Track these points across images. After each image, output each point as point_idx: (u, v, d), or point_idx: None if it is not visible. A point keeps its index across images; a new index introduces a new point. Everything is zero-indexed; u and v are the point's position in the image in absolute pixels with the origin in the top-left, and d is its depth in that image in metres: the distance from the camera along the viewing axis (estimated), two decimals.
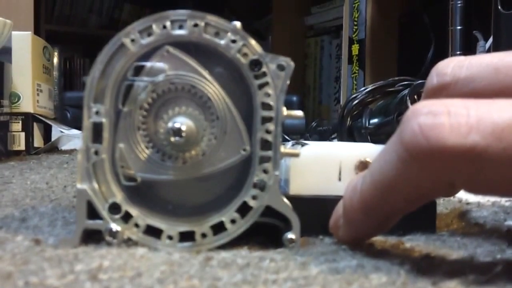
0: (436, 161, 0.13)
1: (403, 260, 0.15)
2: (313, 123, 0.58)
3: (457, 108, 0.13)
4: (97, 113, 0.16)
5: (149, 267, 0.14)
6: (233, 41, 0.16)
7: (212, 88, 0.16)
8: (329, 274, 0.13)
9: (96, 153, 0.16)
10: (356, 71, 0.79)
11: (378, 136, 0.41)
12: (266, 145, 0.16)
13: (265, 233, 0.17)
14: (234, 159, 0.16)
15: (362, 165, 0.18)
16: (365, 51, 0.78)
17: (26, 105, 0.49)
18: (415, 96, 0.37)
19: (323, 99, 1.16)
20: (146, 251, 0.15)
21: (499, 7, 0.46)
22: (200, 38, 0.16)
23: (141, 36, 0.16)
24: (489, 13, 0.47)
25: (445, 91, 0.15)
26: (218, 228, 0.16)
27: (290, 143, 0.21)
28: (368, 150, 0.19)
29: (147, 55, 0.16)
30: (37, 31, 0.74)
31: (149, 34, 0.16)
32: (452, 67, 0.15)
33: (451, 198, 0.25)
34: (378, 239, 0.17)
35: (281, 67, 0.16)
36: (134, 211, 0.16)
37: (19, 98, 0.48)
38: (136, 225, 0.16)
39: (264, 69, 0.16)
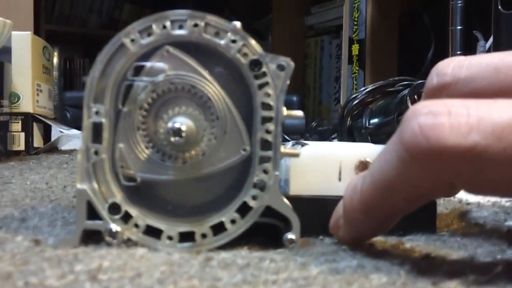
0: (436, 161, 0.13)
1: (403, 260, 0.15)
2: (313, 123, 0.58)
3: (457, 108, 0.13)
4: (97, 113, 0.16)
5: (149, 268, 0.14)
6: (233, 41, 0.16)
7: (212, 88, 0.16)
8: (329, 275, 0.13)
9: (96, 153, 0.16)
10: (356, 71, 0.79)
11: (378, 136, 0.41)
12: (266, 145, 0.16)
13: (265, 233, 0.17)
14: (234, 159, 0.16)
15: (362, 165, 0.18)
16: (365, 51, 0.78)
17: (26, 105, 0.49)
18: (415, 96, 0.37)
19: (323, 99, 1.16)
20: (146, 252, 0.15)
21: (499, 7, 0.46)
22: (200, 38, 0.16)
23: (141, 36, 0.16)
24: (489, 13, 0.47)
25: (445, 91, 0.15)
26: (218, 228, 0.16)
27: (290, 143, 0.21)
28: (368, 150, 0.19)
29: (147, 55, 0.16)
30: (37, 31, 0.74)
31: (149, 34, 0.16)
32: (452, 67, 0.15)
33: (451, 198, 0.25)
34: (378, 240, 0.17)
35: (281, 67, 0.16)
36: (134, 211, 0.16)
37: (19, 98, 0.48)
38: (136, 225, 0.16)
39: (264, 69, 0.16)
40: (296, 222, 0.16)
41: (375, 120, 0.43)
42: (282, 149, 0.16)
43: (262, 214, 0.16)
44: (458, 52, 0.58)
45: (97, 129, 0.16)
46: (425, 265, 0.14)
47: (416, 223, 0.18)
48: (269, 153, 0.16)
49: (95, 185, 0.16)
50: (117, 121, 0.16)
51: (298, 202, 0.17)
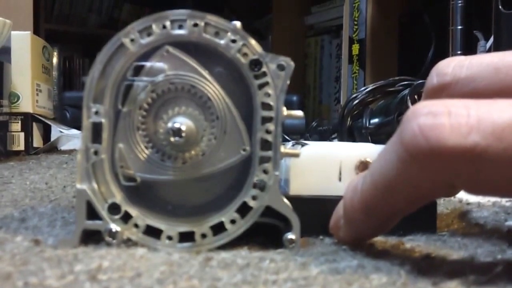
0: (436, 162, 0.13)
1: (404, 260, 0.15)
2: (313, 123, 0.58)
3: (457, 108, 0.13)
4: (96, 113, 0.16)
5: (149, 268, 0.14)
6: (233, 41, 0.16)
7: (212, 88, 0.16)
8: (330, 275, 0.13)
9: (96, 153, 0.16)
10: (357, 71, 0.79)
11: (378, 136, 0.41)
12: (266, 145, 0.16)
13: (265, 233, 0.17)
14: (234, 159, 0.16)
15: (363, 165, 0.18)
16: (365, 51, 0.78)
17: (26, 105, 0.49)
18: (416, 96, 0.37)
19: (323, 99, 1.16)
20: (145, 252, 0.15)
21: (500, 7, 0.46)
22: (200, 38, 0.16)
23: (140, 36, 0.16)
24: (490, 13, 0.47)
25: (446, 91, 0.15)
26: (218, 228, 0.16)
27: (290, 143, 0.21)
28: (369, 150, 0.19)
29: (146, 55, 0.16)
30: (36, 31, 0.74)
31: (149, 34, 0.16)
32: (453, 67, 0.15)
33: (452, 198, 0.25)
34: (379, 240, 0.17)
35: (281, 67, 0.16)
36: (133, 211, 0.16)
37: (18, 98, 0.48)
38: (136, 226, 0.16)
39: (264, 69, 0.16)
40: (296, 222, 0.16)
41: (375, 120, 0.43)
42: (282, 149, 0.16)
43: (262, 214, 0.16)
44: (459, 52, 0.58)
45: (96, 129, 0.16)
46: (426, 265, 0.14)
47: (417, 223, 0.18)
48: (269, 153, 0.16)
49: (95, 185, 0.16)
50: (117, 121, 0.16)
51: (298, 202, 0.17)
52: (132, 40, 0.16)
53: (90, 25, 1.48)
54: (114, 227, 0.16)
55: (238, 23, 0.16)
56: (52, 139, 0.53)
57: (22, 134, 0.48)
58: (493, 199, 0.25)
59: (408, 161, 0.13)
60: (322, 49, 1.15)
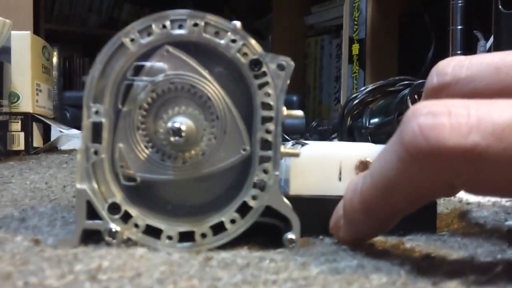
0: (436, 162, 0.13)
1: (404, 260, 0.15)
2: (313, 122, 0.58)
3: (457, 108, 0.13)
4: (96, 112, 0.16)
5: (149, 268, 0.14)
6: (233, 41, 0.16)
7: (212, 88, 0.16)
8: (329, 275, 0.13)
9: (96, 153, 0.16)
10: (357, 71, 0.79)
11: (378, 136, 0.41)
12: (266, 145, 0.16)
13: (265, 233, 0.17)
14: (234, 159, 0.16)
15: (363, 165, 0.18)
16: (365, 51, 0.78)
17: (26, 105, 0.49)
18: (416, 96, 0.37)
19: (323, 98, 1.16)
20: (145, 251, 0.15)
21: (500, 7, 0.45)
22: (200, 37, 0.16)
23: (140, 36, 0.16)
24: (490, 13, 0.47)
25: (446, 90, 0.15)
26: (218, 228, 0.16)
27: (290, 143, 0.21)
28: (369, 150, 0.19)
29: (146, 55, 0.16)
30: (36, 31, 0.74)
31: (149, 34, 0.16)
32: (453, 66, 0.15)
33: (452, 198, 0.25)
34: (379, 240, 0.17)
35: (281, 67, 0.16)
36: (133, 211, 0.16)
37: (18, 98, 0.48)
38: (136, 225, 0.16)
39: (264, 68, 0.16)
40: (296, 222, 0.16)
41: (375, 120, 0.42)
42: (282, 149, 0.16)
43: (262, 214, 0.16)
44: (459, 52, 0.58)
45: (96, 129, 0.16)
46: (425, 265, 0.14)
47: (416, 223, 0.18)
48: (269, 153, 0.16)
49: (95, 185, 0.16)
50: (117, 121, 0.16)
51: (298, 202, 0.17)
52: (132, 40, 0.16)
53: (90, 25, 1.48)
54: (114, 227, 0.16)
55: (238, 23, 0.16)
56: (52, 139, 0.53)
57: (22, 134, 0.48)
58: (493, 199, 0.25)
59: (408, 161, 0.13)
60: (322, 49, 1.15)
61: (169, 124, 0.16)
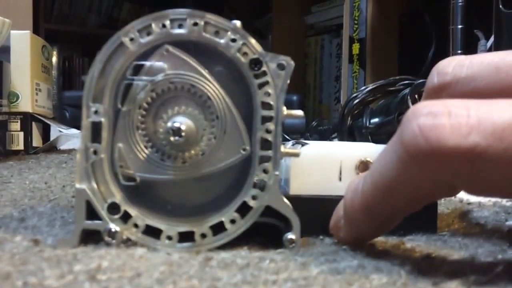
0: (436, 162, 0.13)
1: (404, 260, 0.15)
2: (314, 122, 0.58)
3: (458, 109, 0.13)
4: (96, 112, 0.16)
5: (148, 268, 0.14)
6: (233, 40, 0.16)
7: (211, 88, 0.16)
8: (330, 275, 0.13)
9: (95, 152, 0.16)
10: (357, 70, 0.79)
11: (378, 135, 0.41)
12: (266, 144, 0.16)
13: (265, 233, 0.17)
14: (234, 159, 0.16)
15: (363, 165, 0.18)
16: (365, 50, 0.78)
17: (25, 104, 0.49)
18: (416, 96, 0.37)
19: (323, 98, 1.16)
20: (145, 252, 0.15)
21: (500, 6, 0.45)
22: (199, 37, 0.16)
23: (140, 35, 0.16)
24: (490, 12, 0.47)
25: (446, 90, 0.15)
26: (218, 228, 0.16)
27: (290, 143, 0.21)
28: (369, 150, 0.18)
29: (146, 54, 0.16)
30: (36, 30, 0.74)
31: (149, 33, 0.16)
32: (453, 66, 0.15)
33: (452, 198, 0.25)
34: (379, 240, 0.17)
35: (281, 66, 0.16)
36: (133, 211, 0.16)
37: (17, 97, 0.48)
38: (135, 225, 0.16)
39: (264, 68, 0.16)
40: (296, 222, 0.16)
41: (376, 120, 0.42)
42: (282, 148, 0.16)
43: (262, 214, 0.16)
44: (459, 51, 0.58)
45: (96, 128, 0.16)
46: (426, 265, 0.14)
47: (417, 223, 0.18)
48: (269, 152, 0.16)
49: (94, 185, 0.16)
50: (116, 120, 0.16)
51: (298, 202, 0.17)
52: (131, 39, 0.16)
53: (90, 24, 1.48)
54: (114, 227, 0.16)
55: (238, 22, 0.16)
56: (52, 138, 0.53)
57: (21, 134, 0.48)
58: (493, 199, 0.25)
59: (408, 161, 0.13)
60: (322, 48, 1.15)
61: (169, 124, 0.16)
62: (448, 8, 0.60)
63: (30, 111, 0.49)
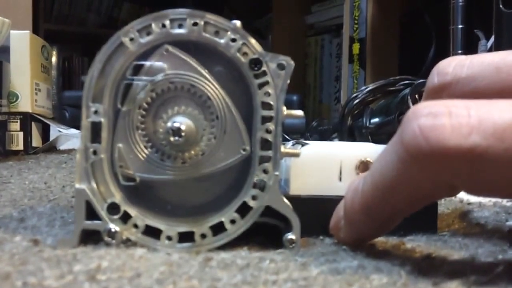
0: (436, 162, 0.13)
1: (404, 260, 0.15)
2: (314, 122, 0.58)
3: (458, 109, 0.13)
4: (95, 112, 0.16)
5: (148, 268, 0.14)
6: (233, 40, 0.16)
7: (211, 88, 0.16)
8: (330, 275, 0.13)
9: (95, 153, 0.16)
10: (357, 70, 0.79)
11: (379, 135, 0.41)
12: (266, 145, 0.16)
13: (265, 233, 0.17)
14: (233, 159, 0.16)
15: (363, 165, 0.18)
16: (365, 50, 0.78)
17: (25, 104, 0.49)
18: (416, 96, 0.37)
19: (323, 98, 1.16)
20: (145, 252, 0.15)
21: (501, 6, 0.45)
22: (199, 37, 0.16)
23: (140, 35, 0.16)
24: (491, 12, 0.47)
25: (446, 90, 0.15)
26: (218, 228, 0.16)
27: (290, 143, 0.21)
28: (369, 150, 0.18)
29: (146, 54, 0.16)
30: (35, 30, 0.73)
31: (148, 33, 0.16)
32: (453, 66, 0.15)
33: (452, 198, 0.25)
34: (379, 240, 0.17)
35: (281, 66, 0.16)
36: (133, 211, 0.16)
37: (17, 97, 0.48)
38: (135, 226, 0.16)
39: (264, 68, 0.16)
40: (296, 222, 0.16)
41: (376, 120, 0.42)
42: (282, 148, 0.16)
43: (262, 214, 0.16)
44: (459, 51, 0.58)
45: (96, 128, 0.16)
46: (426, 266, 0.14)
47: (417, 223, 0.18)
48: (269, 153, 0.16)
49: (94, 185, 0.16)
50: (116, 120, 0.16)
51: (299, 202, 0.17)
52: (131, 39, 0.16)
53: (90, 24, 1.48)
54: (113, 227, 0.16)
55: (238, 22, 0.16)
56: (51, 138, 0.53)
57: (21, 134, 0.48)
58: (494, 199, 0.25)
59: (408, 161, 0.13)
60: (323, 48, 1.15)
61: (169, 124, 0.16)
62: (448, 8, 0.60)
63: (30, 111, 0.49)
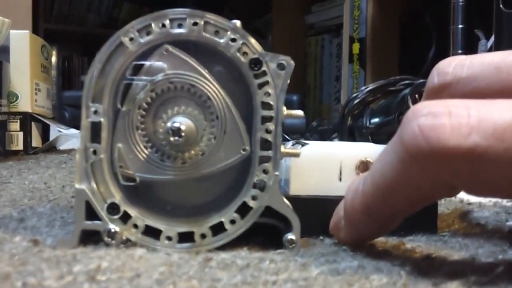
0: (436, 162, 0.12)
1: (404, 261, 0.15)
2: (314, 122, 0.58)
3: (458, 109, 0.13)
4: (95, 112, 0.16)
5: (148, 268, 0.14)
6: (233, 40, 0.16)
7: (211, 87, 0.16)
8: (330, 275, 0.13)
9: (95, 153, 0.16)
10: (357, 70, 0.79)
11: (379, 135, 0.41)
12: (266, 145, 0.16)
13: (265, 233, 0.17)
14: (233, 159, 0.16)
15: (363, 165, 0.18)
16: (366, 50, 0.78)
17: (24, 104, 0.49)
18: (416, 96, 0.37)
19: (323, 98, 1.16)
20: (145, 252, 0.15)
21: (501, 6, 0.45)
22: (199, 36, 0.16)
23: (140, 35, 0.16)
24: (491, 12, 0.47)
25: (446, 90, 0.15)
26: (218, 228, 0.16)
27: (290, 143, 0.21)
28: (369, 150, 0.18)
29: (146, 54, 0.16)
30: (35, 30, 0.74)
31: (148, 33, 0.16)
32: (454, 66, 0.15)
33: (452, 198, 0.25)
34: (379, 240, 0.17)
35: (281, 66, 0.16)
36: (133, 212, 0.16)
37: (17, 97, 0.48)
38: (135, 226, 0.16)
39: (264, 68, 0.16)
40: (296, 223, 0.16)
41: (376, 120, 0.42)
42: (282, 149, 0.16)
43: (262, 214, 0.16)
44: (459, 51, 0.58)
45: (95, 128, 0.16)
46: (426, 266, 0.14)
47: (417, 224, 0.18)
48: (269, 153, 0.16)
49: (94, 185, 0.16)
50: (116, 120, 0.16)
51: (298, 202, 0.17)
52: (131, 39, 0.16)
53: (89, 24, 1.47)
54: (113, 227, 0.16)
55: (238, 22, 0.16)
56: (51, 138, 0.53)
57: (21, 134, 0.48)
58: (494, 199, 0.25)
59: (408, 161, 0.13)
60: (323, 48, 1.15)
61: (169, 124, 0.16)
62: (448, 8, 0.60)
63: (30, 111, 0.49)
